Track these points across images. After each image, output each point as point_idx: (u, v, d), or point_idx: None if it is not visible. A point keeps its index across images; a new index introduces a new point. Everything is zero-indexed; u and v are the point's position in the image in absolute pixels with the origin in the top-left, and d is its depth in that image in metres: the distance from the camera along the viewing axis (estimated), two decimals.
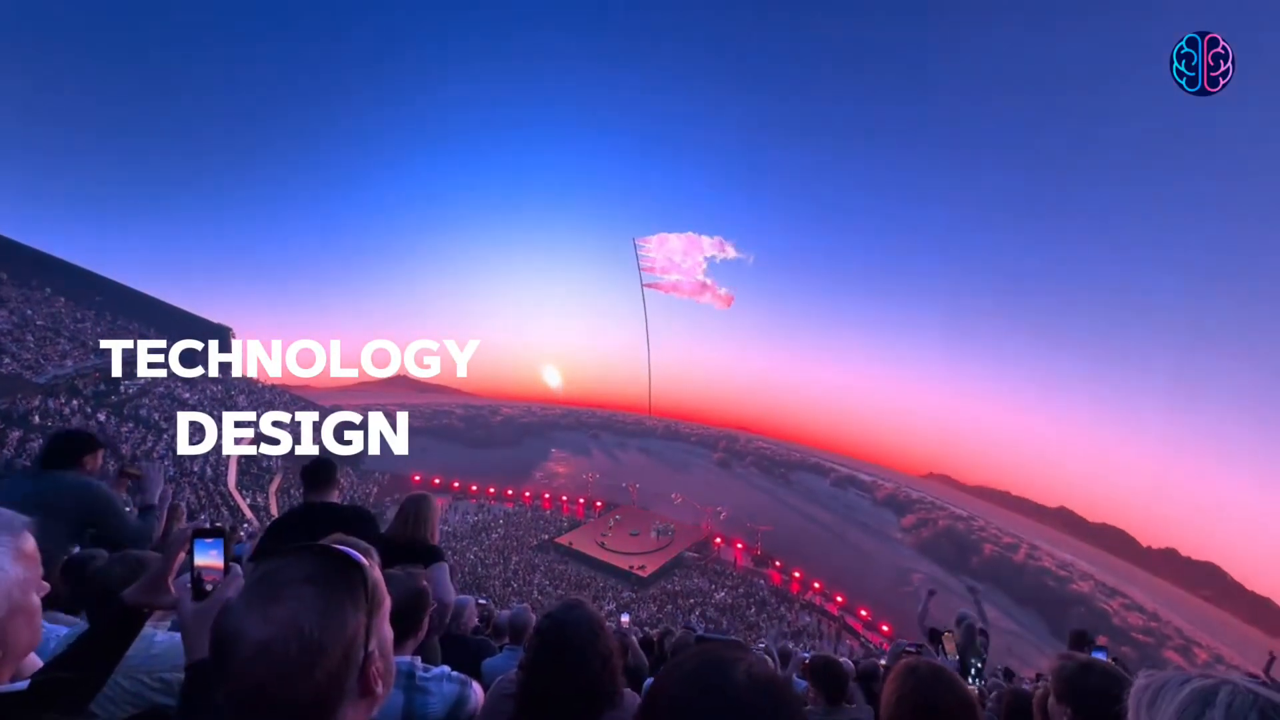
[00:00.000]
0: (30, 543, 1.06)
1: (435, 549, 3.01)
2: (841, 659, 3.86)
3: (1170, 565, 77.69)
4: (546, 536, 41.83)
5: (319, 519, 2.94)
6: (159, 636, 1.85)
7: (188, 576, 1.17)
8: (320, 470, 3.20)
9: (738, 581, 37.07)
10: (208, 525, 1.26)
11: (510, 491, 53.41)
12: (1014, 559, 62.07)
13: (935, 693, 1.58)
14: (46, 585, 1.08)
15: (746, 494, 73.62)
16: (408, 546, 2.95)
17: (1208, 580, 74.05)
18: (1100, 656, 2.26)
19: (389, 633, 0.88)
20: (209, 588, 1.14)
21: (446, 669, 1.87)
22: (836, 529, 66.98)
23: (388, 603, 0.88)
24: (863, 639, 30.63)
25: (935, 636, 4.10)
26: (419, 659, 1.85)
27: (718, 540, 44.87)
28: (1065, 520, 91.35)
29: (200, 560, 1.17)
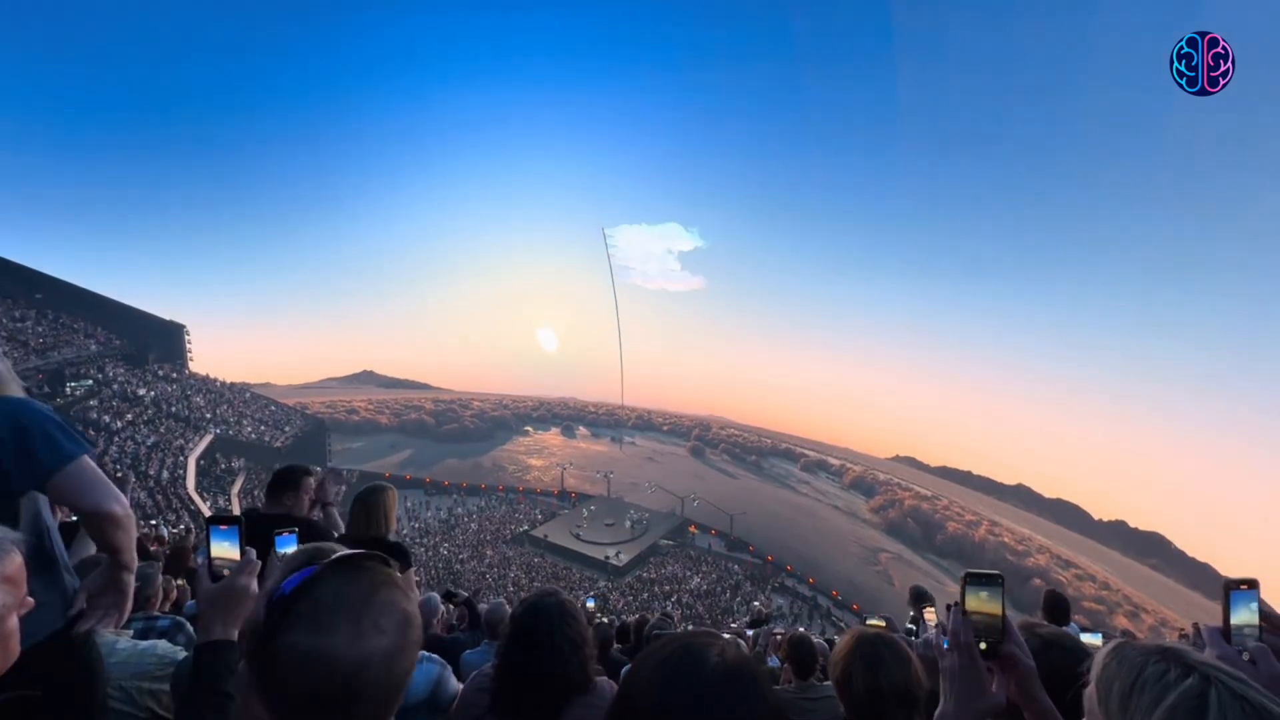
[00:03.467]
0: (15, 563, 1.02)
1: (403, 550, 2.86)
2: (814, 637, 3.95)
3: (1119, 536, 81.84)
4: (521, 529, 41.64)
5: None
6: (120, 644, 1.79)
7: (205, 562, 1.23)
8: (288, 478, 2.88)
9: (712, 567, 37.60)
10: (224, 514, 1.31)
11: (484, 485, 52.88)
12: (975, 536, 64.37)
13: (881, 647, 1.59)
14: (30, 601, 1.05)
15: (719, 480, 74.46)
16: (370, 545, 2.77)
17: (1154, 549, 78.29)
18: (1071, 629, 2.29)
19: None
20: (225, 572, 1.19)
21: (423, 651, 1.87)
22: (807, 512, 68.34)
23: None
24: (834, 618, 31.47)
25: (920, 597, 4.16)
26: None
27: (692, 527, 45.36)
28: (1023, 497, 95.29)
29: (216, 547, 1.23)
